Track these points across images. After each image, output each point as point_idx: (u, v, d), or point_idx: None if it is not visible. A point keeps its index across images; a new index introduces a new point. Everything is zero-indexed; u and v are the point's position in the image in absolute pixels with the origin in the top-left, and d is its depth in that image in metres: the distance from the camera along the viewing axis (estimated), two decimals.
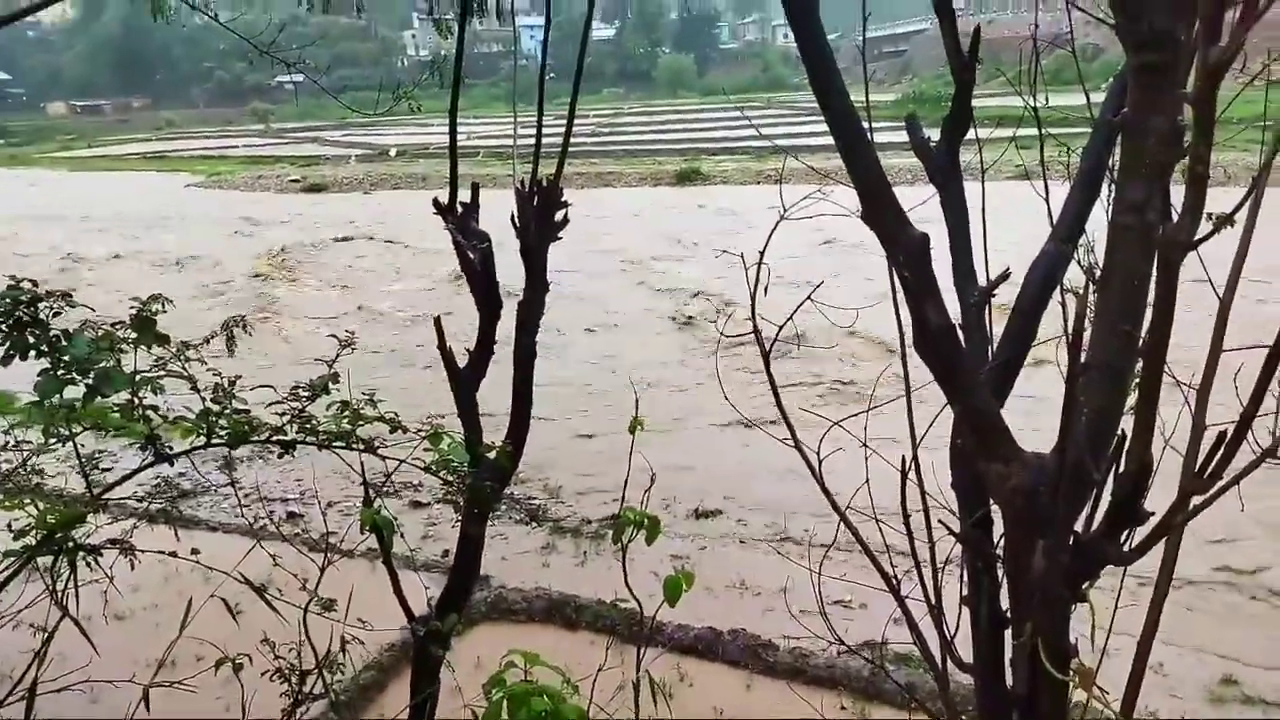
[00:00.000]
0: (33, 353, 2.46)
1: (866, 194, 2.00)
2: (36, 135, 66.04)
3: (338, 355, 2.83)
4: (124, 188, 38.13)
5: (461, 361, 3.89)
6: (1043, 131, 2.48)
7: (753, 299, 2.91)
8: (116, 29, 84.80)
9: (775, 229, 3.09)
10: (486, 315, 3.84)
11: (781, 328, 2.60)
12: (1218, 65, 1.40)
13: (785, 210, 3.09)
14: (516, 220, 3.83)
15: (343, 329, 3.38)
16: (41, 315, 2.50)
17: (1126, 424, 1.78)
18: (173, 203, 32.15)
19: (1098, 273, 2.04)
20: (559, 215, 3.84)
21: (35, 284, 2.57)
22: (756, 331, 2.73)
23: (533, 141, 4.09)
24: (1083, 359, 1.90)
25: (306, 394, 2.77)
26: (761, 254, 3.11)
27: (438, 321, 3.74)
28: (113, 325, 2.51)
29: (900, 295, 2.12)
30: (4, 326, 2.46)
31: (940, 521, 2.20)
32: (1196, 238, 1.52)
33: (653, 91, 76.38)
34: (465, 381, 3.84)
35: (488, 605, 6.88)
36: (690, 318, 14.35)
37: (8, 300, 2.47)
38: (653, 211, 25.57)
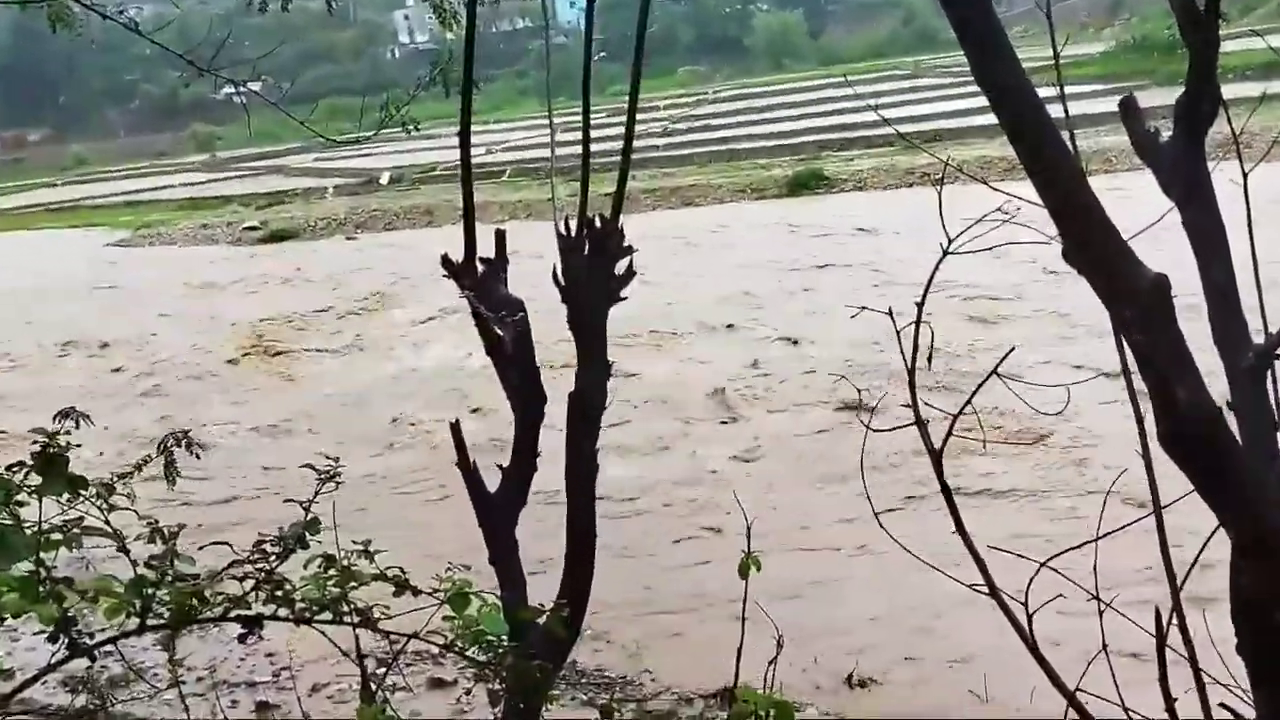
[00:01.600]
0: None
1: (1063, 218, 1.98)
2: None
3: (317, 492, 2.90)
4: (15, 254, 40.07)
5: (493, 481, 3.95)
6: None
7: (911, 378, 2.91)
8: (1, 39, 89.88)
9: (936, 270, 3.10)
10: (523, 416, 3.91)
11: (955, 419, 2.57)
12: None
13: (950, 242, 3.10)
14: (560, 276, 3.90)
15: (323, 444, 3.48)
16: None
17: None
18: (84, 271, 33.71)
19: None
20: (620, 267, 3.89)
21: None
22: (921, 425, 2.71)
23: (577, 152, 4.20)
24: None
25: (276, 549, 2.84)
26: (920, 308, 3.11)
27: (455, 429, 3.82)
28: (7, 469, 2.64)
29: (1132, 363, 2.09)
30: None
31: (1222, 705, 2.09)
32: None
33: (748, 65, 77.45)
34: (498, 512, 3.89)
35: None
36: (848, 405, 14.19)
37: None
38: (752, 238, 25.74)
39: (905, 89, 48.00)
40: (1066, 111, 2.57)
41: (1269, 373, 2.21)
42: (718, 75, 75.37)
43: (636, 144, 4.05)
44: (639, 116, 4.15)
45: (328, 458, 3.15)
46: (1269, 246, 2.55)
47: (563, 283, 3.92)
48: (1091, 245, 1.96)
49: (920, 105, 41.86)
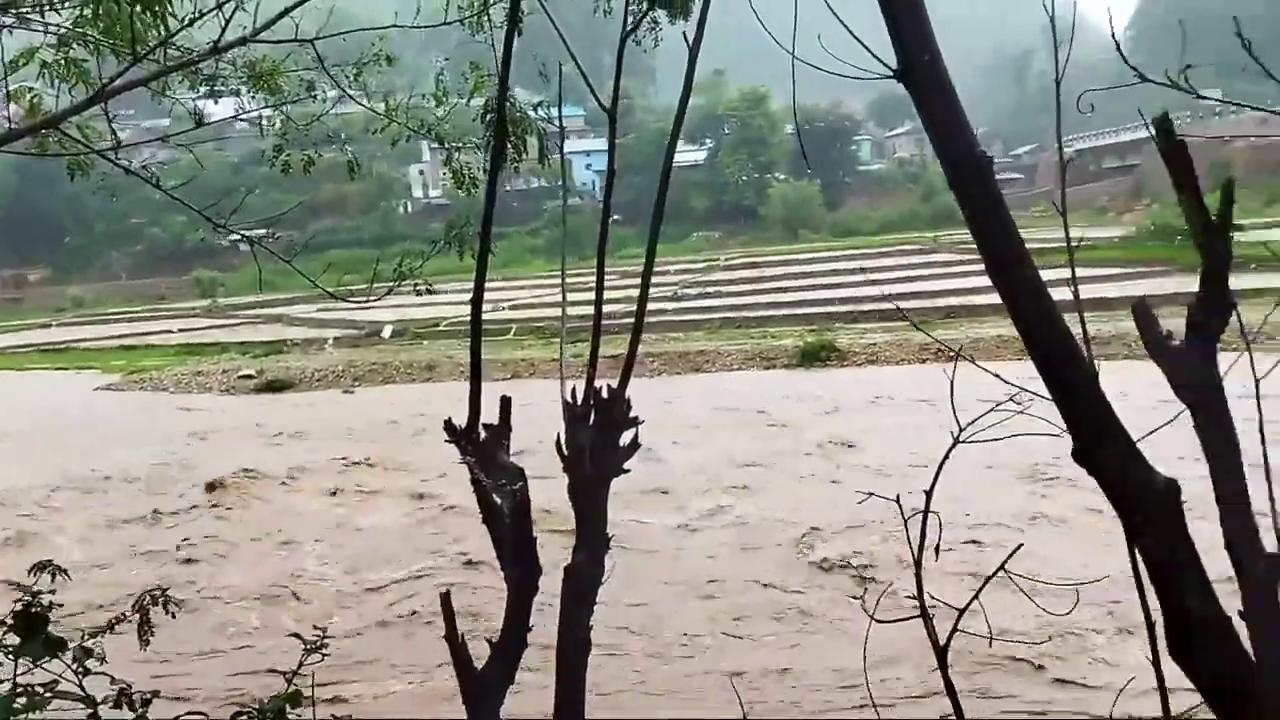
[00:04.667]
0: None
1: (1072, 420, 2.05)
2: None
3: (301, 664, 2.90)
4: (4, 392, 40.42)
5: (481, 657, 3.92)
6: None
7: (918, 575, 2.93)
8: (6, 177, 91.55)
9: (946, 459, 3.15)
10: (516, 589, 3.91)
11: (959, 620, 2.58)
12: None
13: (961, 430, 3.16)
14: (564, 445, 3.95)
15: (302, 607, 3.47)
16: None
17: None
18: (72, 414, 33.85)
19: None
20: (625, 438, 3.95)
21: None
22: (929, 628, 2.72)
23: (589, 314, 4.30)
24: None
25: None
26: (929, 498, 3.16)
27: (445, 600, 3.82)
28: None
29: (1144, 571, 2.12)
30: None
31: None
32: None
33: (762, 233, 79.17)
34: (485, 689, 3.86)
35: None
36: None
37: None
38: (757, 406, 25.80)
39: (919, 264, 48.98)
40: (1081, 314, 2.65)
41: None
42: (731, 243, 76.99)
43: (647, 309, 4.16)
44: (652, 278, 4.27)
45: (316, 628, 3.15)
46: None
47: (565, 451, 3.96)
48: (1101, 449, 2.01)
49: (935, 280, 42.65)
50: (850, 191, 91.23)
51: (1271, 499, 2.43)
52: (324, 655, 2.99)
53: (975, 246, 3.16)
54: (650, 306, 4.06)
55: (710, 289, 49.63)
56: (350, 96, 6.92)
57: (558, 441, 3.94)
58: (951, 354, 3.76)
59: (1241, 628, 2.24)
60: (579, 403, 3.99)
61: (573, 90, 4.75)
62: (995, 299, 2.59)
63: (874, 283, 42.29)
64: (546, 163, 5.19)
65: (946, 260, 48.59)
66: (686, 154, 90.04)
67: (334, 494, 20.24)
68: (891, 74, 2.12)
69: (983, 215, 2.11)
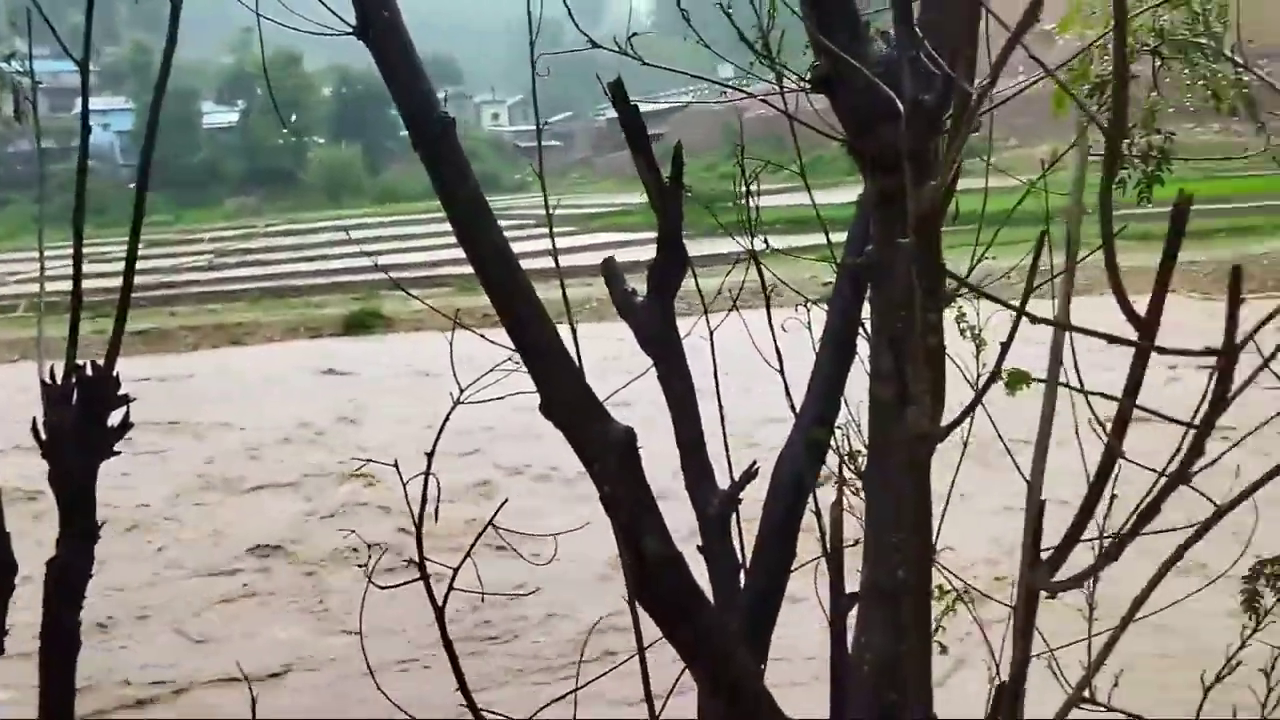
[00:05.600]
0: None
1: (537, 375, 2.15)
2: None
3: None
4: None
5: None
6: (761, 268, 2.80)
7: (419, 530, 2.98)
8: None
9: (447, 420, 3.21)
10: None
11: (455, 572, 2.65)
12: (930, 207, 1.67)
13: (462, 391, 3.23)
14: (41, 429, 3.64)
15: None
16: None
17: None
18: None
19: (864, 463, 2.30)
20: (115, 418, 3.70)
21: None
22: (428, 589, 2.76)
23: (100, 287, 4.00)
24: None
25: None
26: (430, 460, 3.20)
27: None
28: None
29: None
30: None
31: None
32: (945, 424, 1.76)
33: (303, 199, 76.74)
34: None
35: None
36: None
37: None
38: (298, 381, 25.00)
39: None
40: (557, 263, 2.78)
41: (731, 517, 2.48)
42: (269, 209, 74.11)
43: (177, 278, 3.92)
44: (180, 249, 4.03)
45: None
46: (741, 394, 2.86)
47: (43, 436, 3.66)
48: (564, 401, 2.13)
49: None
50: (393, 157, 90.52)
51: (726, 444, 2.68)
52: None
53: (516, 212, 3.26)
54: (184, 277, 3.83)
55: (249, 257, 47.62)
56: None
57: (34, 426, 3.63)
58: (454, 323, 3.78)
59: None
60: (59, 383, 3.70)
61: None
62: (546, 262, 2.69)
63: (422, 249, 42.07)
64: (22, 121, 4.73)
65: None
66: (218, 115, 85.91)
67: None
68: (350, 30, 2.12)
69: (448, 179, 2.16)
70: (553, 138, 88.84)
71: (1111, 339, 1.33)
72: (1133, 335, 1.43)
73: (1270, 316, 1.23)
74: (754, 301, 3.13)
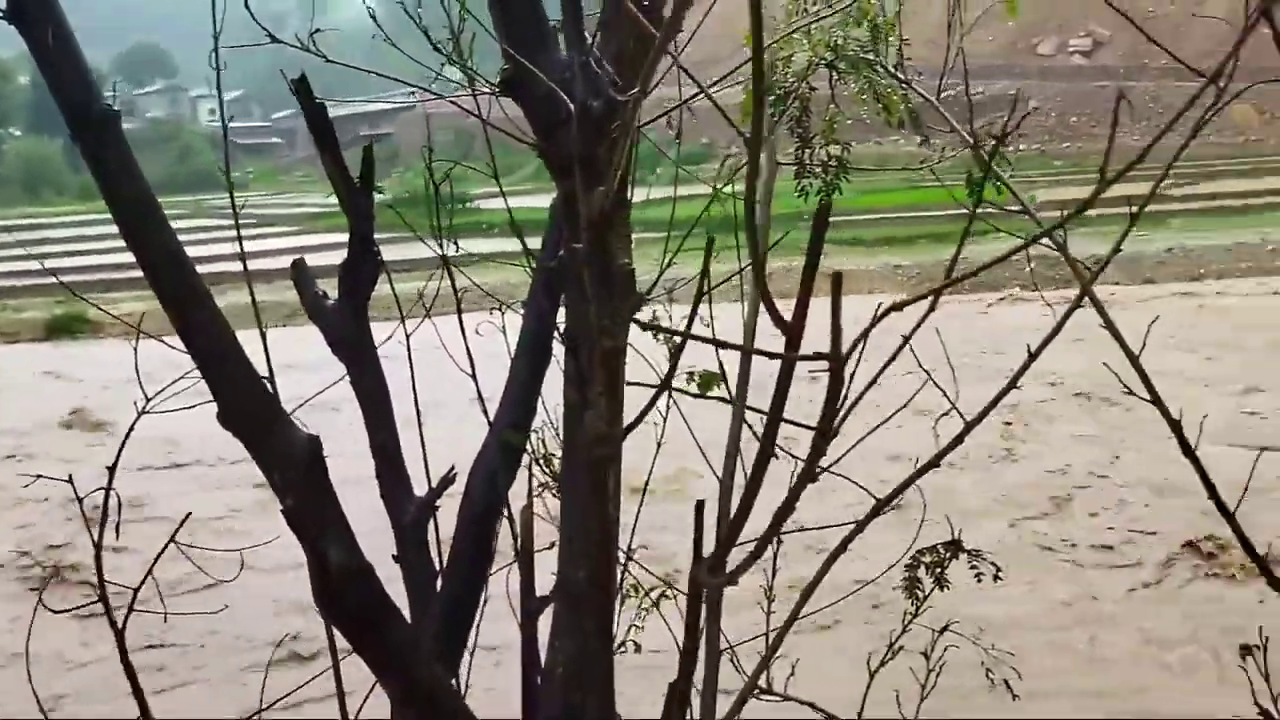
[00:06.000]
0: None
1: (216, 383, 2.06)
2: None
3: None
4: None
5: None
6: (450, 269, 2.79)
7: (98, 558, 2.81)
8: None
9: (129, 436, 3.05)
10: None
11: (135, 592, 2.51)
12: (599, 212, 1.69)
13: (147, 400, 3.08)
14: None
15: None
16: None
17: None
18: None
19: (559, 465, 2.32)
20: None
21: None
22: (108, 611, 2.61)
23: None
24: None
25: None
26: (111, 475, 3.03)
27: None
28: None
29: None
30: None
31: None
32: (627, 424, 1.80)
33: None
34: None
35: None
36: None
37: None
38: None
39: (181, 230, 46.99)
40: (246, 266, 2.69)
41: (428, 525, 2.45)
42: None
43: None
44: None
45: None
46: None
47: None
48: (242, 410, 2.05)
49: (198, 247, 41.28)
50: None
51: (423, 445, 2.65)
52: None
53: (232, 211, 3.10)
54: None
55: None
56: None
57: None
58: (137, 332, 3.58)
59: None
60: None
61: None
62: (270, 263, 2.57)
63: (34, 256, 39.53)
64: None
65: (205, 225, 47.22)
66: None
67: None
68: (1, 14, 1.96)
69: (112, 177, 2.04)
70: (276, 135, 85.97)
71: (759, 352, 1.39)
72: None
73: (876, 321, 1.32)
74: (472, 306, 3.09)
